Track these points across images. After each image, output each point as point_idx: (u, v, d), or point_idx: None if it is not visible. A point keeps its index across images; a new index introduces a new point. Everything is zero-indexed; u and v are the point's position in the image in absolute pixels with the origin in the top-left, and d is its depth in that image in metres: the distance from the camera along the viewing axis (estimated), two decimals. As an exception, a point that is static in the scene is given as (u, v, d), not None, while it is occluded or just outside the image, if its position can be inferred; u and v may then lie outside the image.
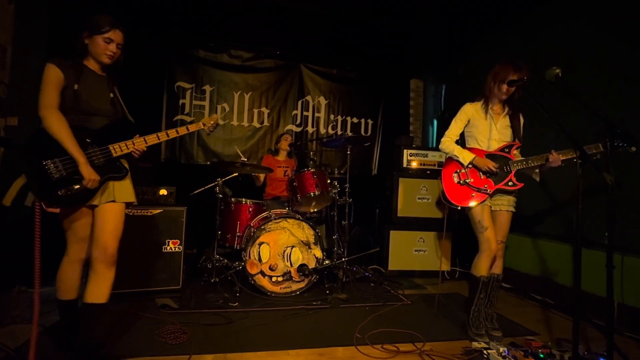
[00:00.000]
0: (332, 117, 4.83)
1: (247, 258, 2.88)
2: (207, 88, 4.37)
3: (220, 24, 4.13)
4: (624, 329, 2.37)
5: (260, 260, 2.91)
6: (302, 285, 3.00)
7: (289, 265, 2.98)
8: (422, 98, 5.27)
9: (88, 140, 1.71)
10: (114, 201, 1.77)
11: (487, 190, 2.28)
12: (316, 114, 4.77)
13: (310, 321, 2.51)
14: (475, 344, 2.14)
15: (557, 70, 1.80)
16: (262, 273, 2.92)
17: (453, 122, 2.44)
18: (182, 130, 1.98)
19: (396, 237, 3.76)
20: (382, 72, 4.95)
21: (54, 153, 1.63)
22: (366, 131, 4.97)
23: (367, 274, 3.49)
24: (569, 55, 2.97)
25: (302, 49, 4.61)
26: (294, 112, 4.70)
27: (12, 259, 2.68)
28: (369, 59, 4.83)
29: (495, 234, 2.28)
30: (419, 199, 3.84)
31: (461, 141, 2.46)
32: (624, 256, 2.44)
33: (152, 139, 1.86)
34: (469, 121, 2.41)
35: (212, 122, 2.11)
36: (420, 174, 3.92)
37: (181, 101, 4.29)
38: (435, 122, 5.05)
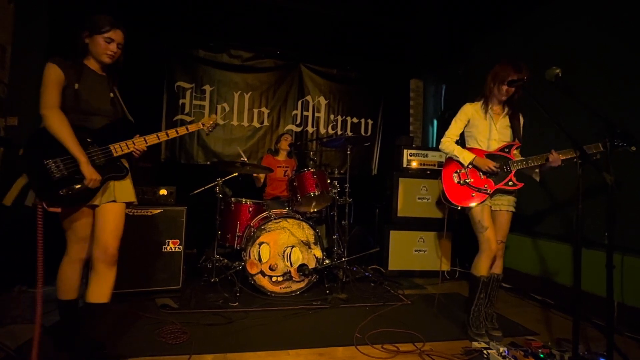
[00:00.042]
0: (332, 117, 4.83)
1: (247, 258, 2.88)
2: (207, 88, 4.38)
3: (220, 24, 4.13)
4: (624, 329, 2.37)
5: (260, 260, 2.91)
6: (302, 285, 3.00)
7: (289, 265, 2.98)
8: (422, 98, 5.28)
9: (89, 139, 1.71)
10: (114, 201, 1.77)
11: (487, 190, 2.28)
12: (316, 114, 4.77)
13: (310, 321, 2.51)
14: (475, 344, 2.14)
15: (557, 70, 1.80)
16: (262, 273, 2.92)
17: (453, 122, 2.44)
18: (182, 130, 1.98)
19: (396, 237, 3.76)
20: (382, 72, 4.95)
21: (55, 152, 1.63)
22: (366, 131, 4.97)
23: (367, 274, 3.49)
24: (569, 55, 2.97)
25: (302, 48, 4.61)
26: (294, 112, 4.70)
27: (12, 259, 2.68)
28: (369, 59, 4.83)
29: (495, 234, 2.28)
30: (419, 199, 3.84)
31: (461, 141, 2.46)
32: (623, 256, 2.45)
33: (152, 139, 1.87)
34: (468, 121, 2.41)
35: (211, 122, 2.12)
36: (420, 174, 3.92)
37: (181, 101, 4.29)
38: (435, 122, 5.05)
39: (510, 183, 2.27)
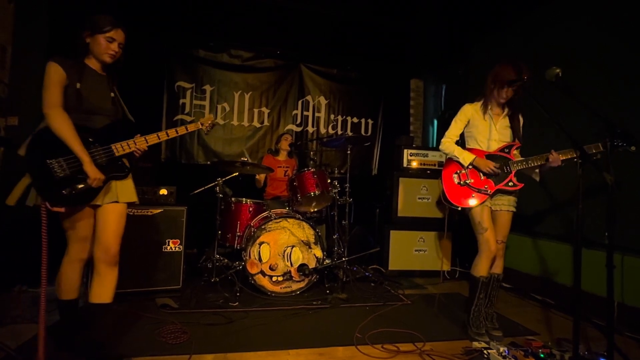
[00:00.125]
0: (332, 117, 4.83)
1: (248, 258, 2.88)
2: (208, 88, 4.38)
3: (220, 24, 4.13)
4: (624, 329, 2.37)
5: (260, 260, 2.92)
6: (302, 285, 3.00)
7: (289, 265, 2.98)
8: (422, 98, 5.28)
9: (91, 139, 1.72)
10: (117, 202, 1.78)
11: (487, 190, 2.28)
12: (316, 114, 4.77)
13: (311, 321, 2.51)
14: (475, 344, 2.14)
15: (558, 70, 1.80)
16: (263, 273, 2.92)
17: (453, 123, 2.44)
18: (182, 130, 1.99)
19: (396, 237, 3.76)
20: (382, 72, 4.95)
21: (57, 152, 1.63)
22: (366, 131, 4.97)
23: (367, 273, 3.49)
24: (569, 55, 2.97)
25: (302, 48, 4.61)
26: (294, 111, 4.70)
27: (12, 259, 2.68)
28: (369, 59, 4.83)
29: (494, 234, 2.28)
30: (419, 198, 3.84)
31: (461, 141, 2.47)
32: (624, 256, 2.45)
33: (152, 139, 1.87)
34: (468, 122, 2.41)
35: (209, 122, 2.12)
36: (421, 173, 3.92)
37: (181, 101, 4.29)
38: (435, 122, 5.05)
39: (510, 184, 2.27)
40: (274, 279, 2.94)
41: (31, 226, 1.95)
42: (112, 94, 1.85)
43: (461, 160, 2.34)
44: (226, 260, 3.08)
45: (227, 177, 3.36)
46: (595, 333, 2.42)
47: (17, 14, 3.01)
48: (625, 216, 2.42)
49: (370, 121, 4.98)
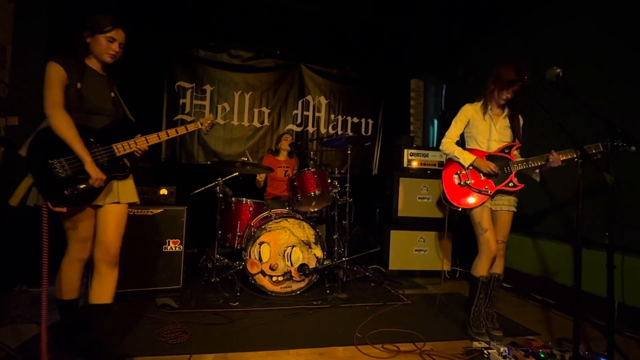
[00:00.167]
0: (332, 116, 4.83)
1: (248, 258, 2.88)
2: (208, 88, 4.38)
3: (220, 24, 4.14)
4: (625, 329, 2.37)
5: (260, 259, 2.92)
6: (302, 284, 3.00)
7: (290, 265, 2.98)
8: (422, 98, 5.28)
9: (92, 139, 1.71)
10: (117, 202, 1.78)
11: (487, 191, 2.28)
12: (316, 114, 4.77)
13: (311, 321, 2.51)
14: (475, 344, 2.14)
15: (558, 70, 1.79)
16: (263, 273, 2.92)
17: (453, 123, 2.44)
18: (182, 130, 1.99)
19: (397, 237, 3.76)
20: (382, 72, 4.95)
21: (59, 152, 1.63)
22: (366, 131, 4.97)
23: (367, 273, 3.49)
24: (569, 55, 2.97)
25: (302, 48, 4.61)
26: (295, 111, 4.70)
27: (12, 259, 2.68)
28: (369, 58, 4.83)
29: (494, 235, 2.28)
30: (419, 198, 3.84)
31: (461, 142, 2.47)
32: (624, 256, 2.45)
33: (153, 139, 1.87)
34: (468, 122, 2.41)
35: (208, 122, 2.12)
36: (421, 173, 3.92)
37: (181, 101, 4.29)
38: (435, 121, 5.05)
39: (510, 184, 2.27)
40: (274, 278, 2.94)
41: (31, 226, 1.95)
42: (113, 94, 1.85)
43: (462, 161, 2.34)
44: (226, 260, 3.08)
45: (227, 177, 3.36)
46: (595, 333, 2.42)
47: (17, 14, 3.02)
48: (626, 216, 2.42)
49: (370, 121, 4.98)
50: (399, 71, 5.06)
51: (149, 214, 2.82)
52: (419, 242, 3.79)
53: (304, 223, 3.05)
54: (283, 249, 2.98)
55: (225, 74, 4.43)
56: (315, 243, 3.07)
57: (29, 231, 2.10)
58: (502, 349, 1.97)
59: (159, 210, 2.86)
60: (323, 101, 4.79)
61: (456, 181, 2.37)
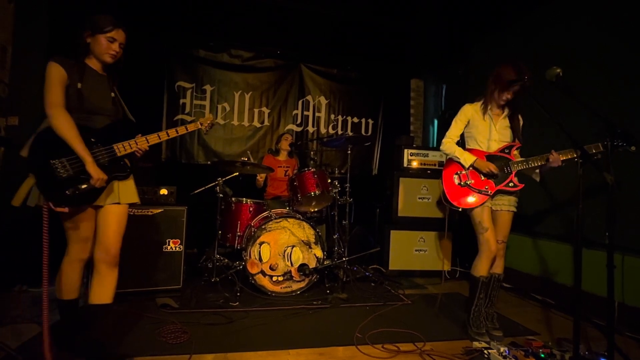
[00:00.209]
0: (332, 116, 4.83)
1: (248, 258, 2.88)
2: (208, 88, 4.38)
3: (220, 24, 4.14)
4: (625, 329, 2.37)
5: (260, 259, 2.92)
6: (302, 284, 3.00)
7: (290, 265, 2.98)
8: (422, 98, 5.28)
9: (93, 139, 1.72)
10: (118, 203, 1.78)
11: (487, 191, 2.28)
12: (317, 114, 4.77)
13: (311, 321, 2.51)
14: (475, 344, 2.14)
15: (558, 70, 1.79)
16: (263, 273, 2.92)
17: (453, 123, 2.44)
18: (182, 130, 1.99)
19: (397, 237, 3.76)
20: (382, 72, 4.95)
21: (60, 152, 1.63)
22: (367, 131, 4.97)
23: (367, 273, 3.49)
24: (569, 55, 2.97)
25: (302, 48, 4.61)
26: (295, 111, 4.70)
27: (12, 258, 2.68)
28: (369, 58, 4.83)
29: (495, 235, 2.28)
30: (419, 198, 3.84)
31: (461, 142, 2.47)
32: (624, 256, 2.44)
33: (153, 139, 1.87)
34: (468, 122, 2.41)
35: (208, 122, 2.12)
36: (421, 173, 3.92)
37: (182, 101, 4.29)
38: (435, 121, 5.05)
39: (511, 184, 2.27)
40: (274, 278, 2.94)
41: (31, 226, 1.95)
42: (113, 94, 1.85)
43: (462, 162, 2.34)
44: (226, 260, 3.08)
45: (227, 177, 3.37)
46: (595, 333, 2.42)
47: (17, 14, 3.01)
48: (626, 216, 2.42)
49: (370, 121, 4.98)
50: (399, 71, 5.06)
51: (149, 214, 2.82)
52: (419, 242, 3.79)
53: (304, 223, 3.05)
54: (283, 249, 2.98)
55: (225, 74, 4.43)
56: (316, 243, 3.07)
57: (30, 231, 2.10)
58: (502, 349, 1.97)
59: (159, 210, 2.86)
60: (323, 101, 4.79)
61: (456, 181, 2.37)
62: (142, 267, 2.77)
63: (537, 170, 2.31)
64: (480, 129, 2.37)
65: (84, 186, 1.64)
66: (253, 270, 2.88)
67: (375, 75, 4.95)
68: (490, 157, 2.32)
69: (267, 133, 4.58)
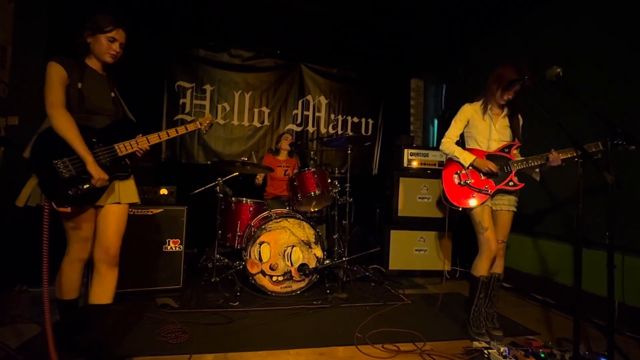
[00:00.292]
0: (332, 116, 4.83)
1: (248, 257, 2.88)
2: (208, 87, 4.38)
3: (220, 24, 4.14)
4: (625, 329, 2.37)
5: (260, 259, 2.92)
6: (302, 284, 3.00)
7: (290, 265, 2.98)
8: (422, 97, 5.28)
9: (94, 139, 1.72)
10: (118, 202, 1.78)
11: (487, 190, 2.28)
12: (317, 114, 4.77)
13: (311, 321, 2.51)
14: (476, 344, 2.14)
15: (558, 70, 1.79)
16: (263, 272, 2.92)
17: (453, 123, 2.44)
18: (181, 130, 1.99)
19: (397, 237, 3.76)
20: (382, 71, 4.95)
21: (62, 152, 1.63)
22: (367, 131, 4.97)
23: (367, 273, 3.49)
24: (569, 55, 2.97)
25: (302, 48, 4.61)
26: (295, 111, 4.70)
27: (12, 258, 2.68)
28: (369, 58, 4.83)
29: (495, 234, 2.28)
30: (419, 198, 3.84)
31: (461, 141, 2.47)
32: (624, 256, 2.44)
33: (154, 138, 1.87)
34: (468, 122, 2.41)
35: (207, 122, 2.12)
36: (421, 173, 3.92)
37: (182, 100, 4.29)
38: (435, 121, 5.05)
39: (511, 183, 2.27)
40: (274, 278, 2.94)
41: (31, 226, 1.95)
42: (113, 94, 1.85)
43: (461, 161, 2.34)
44: (226, 260, 3.08)
45: (227, 177, 3.37)
46: (595, 333, 2.42)
47: (17, 14, 3.01)
48: (626, 215, 2.42)
49: (370, 121, 4.98)
50: (399, 71, 5.06)
51: (149, 213, 2.82)
52: (419, 242, 3.79)
53: (304, 223, 3.05)
54: (283, 248, 2.98)
55: (225, 73, 4.43)
56: (316, 243, 3.07)
57: (30, 231, 2.10)
58: (502, 349, 1.97)
59: (159, 210, 2.86)
60: (323, 101, 4.79)
61: (456, 181, 2.37)
62: (142, 267, 2.77)
63: (537, 170, 2.31)
64: (480, 129, 2.37)
65: (86, 186, 1.64)
66: (253, 270, 2.88)
67: (375, 75, 4.95)
68: (490, 157, 2.32)
69: (267, 133, 4.58)
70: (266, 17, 4.08)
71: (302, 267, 2.95)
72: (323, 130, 4.78)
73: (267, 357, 1.99)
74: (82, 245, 1.80)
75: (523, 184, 2.27)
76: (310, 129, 4.74)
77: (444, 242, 3.80)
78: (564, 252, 2.94)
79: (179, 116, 4.29)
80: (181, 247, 2.91)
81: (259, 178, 3.75)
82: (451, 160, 2.43)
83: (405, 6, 3.97)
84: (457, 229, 3.77)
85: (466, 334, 2.32)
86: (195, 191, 3.38)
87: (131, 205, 1.87)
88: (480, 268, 2.27)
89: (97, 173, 1.64)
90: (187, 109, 4.31)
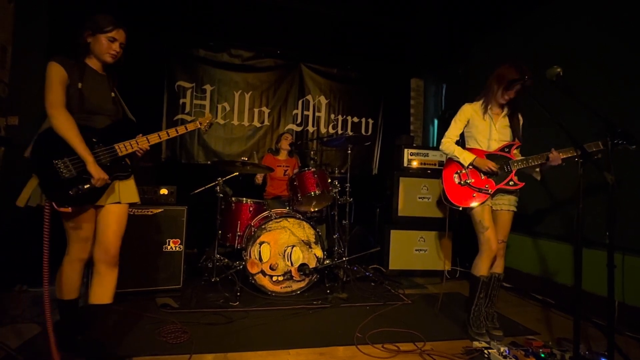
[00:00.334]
0: (332, 116, 4.83)
1: (248, 257, 2.88)
2: (208, 87, 4.38)
3: (220, 24, 4.14)
4: (625, 329, 2.37)
5: (260, 259, 2.91)
6: (302, 284, 3.00)
7: (290, 265, 2.98)
8: (422, 97, 5.28)
9: (94, 139, 1.72)
10: (119, 202, 1.78)
11: (488, 190, 2.28)
12: (317, 114, 4.77)
13: (311, 321, 2.51)
14: (476, 344, 2.14)
15: (558, 70, 1.79)
16: (263, 272, 2.92)
17: (453, 123, 2.44)
18: (181, 130, 1.99)
19: (397, 237, 3.76)
20: (382, 71, 4.95)
21: (63, 152, 1.63)
22: (367, 130, 4.97)
23: (367, 273, 3.49)
24: (569, 55, 2.97)
25: (302, 48, 4.61)
26: (295, 111, 4.70)
27: (12, 258, 2.68)
28: (369, 58, 4.83)
29: (495, 234, 2.28)
30: (419, 198, 3.84)
31: (461, 141, 2.47)
32: (624, 255, 2.44)
33: (154, 138, 1.87)
34: (468, 121, 2.41)
35: (207, 122, 2.12)
36: (421, 173, 3.92)
37: (182, 100, 4.29)
38: (435, 121, 5.05)
39: (511, 183, 2.27)
40: (275, 278, 2.94)
41: (31, 226, 1.95)
42: (113, 94, 1.85)
43: (461, 160, 2.34)
44: (226, 260, 3.08)
45: (227, 177, 3.36)
46: (595, 333, 2.42)
47: (17, 14, 3.01)
48: (626, 215, 2.42)
49: (370, 121, 4.98)
50: (399, 71, 5.06)
51: (149, 213, 2.82)
52: (419, 242, 3.79)
53: (304, 223, 3.05)
54: (283, 248, 2.98)
55: (225, 73, 4.43)
56: (316, 243, 3.07)
57: (30, 231, 2.10)
58: (502, 349, 1.97)
59: (159, 210, 2.86)
60: (323, 101, 4.79)
61: (456, 180, 2.37)
62: (142, 267, 2.76)
63: (538, 169, 2.31)
64: (480, 129, 2.37)
65: (86, 186, 1.64)
66: (253, 270, 2.88)
67: (375, 75, 4.95)
68: (490, 156, 2.32)
69: (267, 133, 4.58)
70: (266, 17, 4.08)
71: (302, 267, 2.95)
72: (323, 130, 4.78)
73: (267, 357, 1.99)
74: (82, 245, 1.80)
75: (523, 184, 2.27)
76: (310, 128, 4.74)
77: (444, 242, 3.80)
78: (564, 252, 2.94)
79: (179, 116, 4.29)
80: (181, 247, 2.91)
81: (259, 178, 3.75)
82: (451, 160, 2.43)
83: (405, 6, 3.97)
84: (457, 228, 3.77)
85: (466, 334, 2.32)
86: (195, 191, 3.38)
87: (131, 205, 1.87)
88: (481, 268, 2.27)
89: (97, 173, 1.64)
90: (187, 109, 4.31)
